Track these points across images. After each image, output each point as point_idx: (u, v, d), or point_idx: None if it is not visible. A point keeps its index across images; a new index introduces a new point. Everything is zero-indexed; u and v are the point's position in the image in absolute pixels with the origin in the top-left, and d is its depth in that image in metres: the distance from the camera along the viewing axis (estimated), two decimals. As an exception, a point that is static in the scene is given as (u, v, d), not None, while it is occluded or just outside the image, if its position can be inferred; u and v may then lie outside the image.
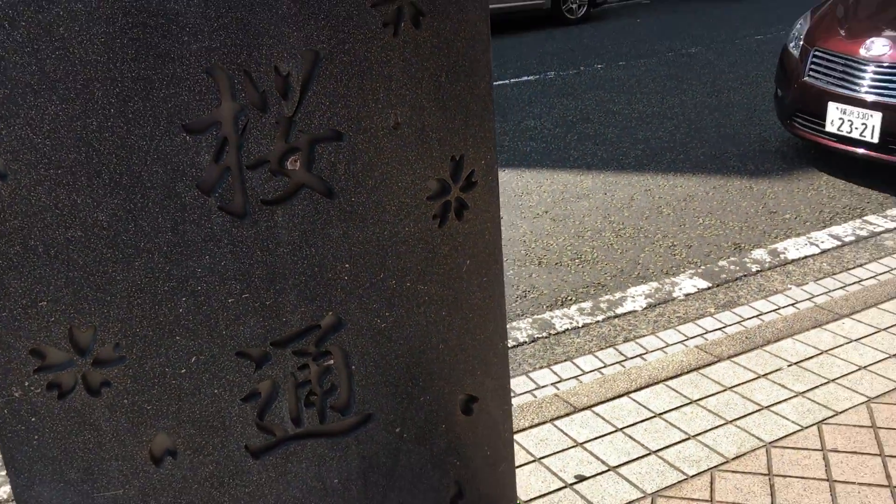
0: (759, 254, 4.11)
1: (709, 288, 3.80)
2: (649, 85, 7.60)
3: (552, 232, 4.52)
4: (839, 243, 4.17)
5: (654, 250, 4.23)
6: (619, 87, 7.61)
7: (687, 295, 3.75)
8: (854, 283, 3.74)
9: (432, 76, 1.42)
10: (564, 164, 5.62)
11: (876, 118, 4.60)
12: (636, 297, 3.76)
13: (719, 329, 3.43)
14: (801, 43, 5.22)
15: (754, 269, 3.95)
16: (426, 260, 1.51)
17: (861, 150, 4.75)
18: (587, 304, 3.73)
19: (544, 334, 3.50)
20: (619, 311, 3.66)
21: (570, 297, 3.80)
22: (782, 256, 4.06)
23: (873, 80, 4.65)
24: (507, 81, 8.14)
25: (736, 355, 3.02)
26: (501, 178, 5.41)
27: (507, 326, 3.58)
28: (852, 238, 4.21)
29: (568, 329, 3.54)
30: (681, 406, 2.74)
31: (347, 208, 1.39)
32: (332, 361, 1.45)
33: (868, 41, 4.75)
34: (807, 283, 3.77)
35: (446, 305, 1.57)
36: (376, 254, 1.44)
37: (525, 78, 8.25)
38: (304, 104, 1.30)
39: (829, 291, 3.67)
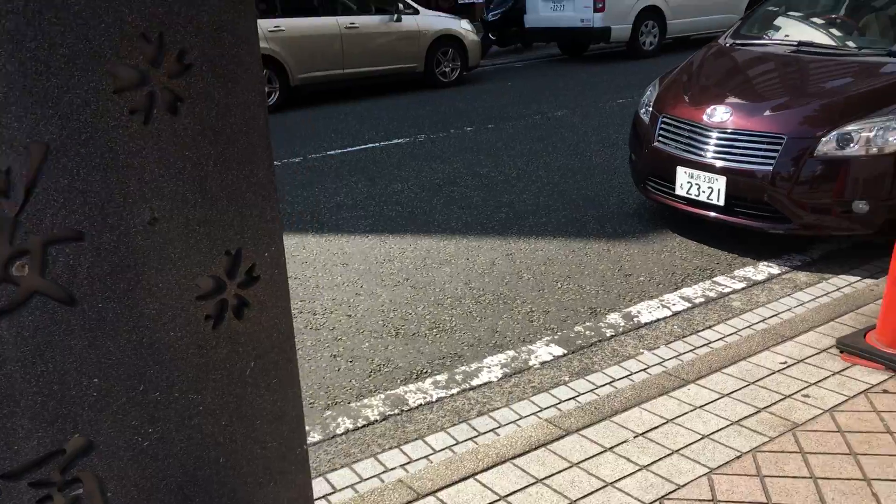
0: (614, 318, 4.13)
1: (564, 355, 3.78)
2: (517, 148, 7.73)
3: (412, 300, 4.43)
4: (690, 305, 4.25)
5: (513, 317, 4.19)
6: (487, 150, 7.71)
7: (542, 363, 3.71)
8: (703, 345, 3.79)
9: (196, 166, 1.30)
10: (429, 228, 5.57)
11: (721, 182, 4.77)
12: (492, 368, 3.69)
13: (573, 398, 3.39)
14: (651, 109, 5.40)
15: (608, 334, 3.95)
16: (199, 367, 1.37)
17: (709, 213, 4.91)
18: (442, 377, 3.62)
19: (396, 411, 3.36)
20: (475, 382, 3.57)
21: (425, 370, 3.69)
22: (636, 320, 4.09)
23: (717, 145, 4.83)
24: (377, 144, 8.11)
25: (584, 427, 2.97)
26: (364, 245, 5.31)
27: (359, 404, 3.43)
28: (702, 299, 4.30)
29: (421, 404, 3.42)
30: (526, 486, 2.65)
31: (93, 316, 1.23)
32: (81, 490, 1.27)
33: (710, 108, 4.94)
34: (658, 347, 3.80)
35: (226, 414, 1.42)
36: (133, 364, 1.29)
37: (395, 141, 8.25)
38: (31, 202, 1.15)
39: (679, 355, 3.70)
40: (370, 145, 8.01)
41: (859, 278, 4.44)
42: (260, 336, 1.44)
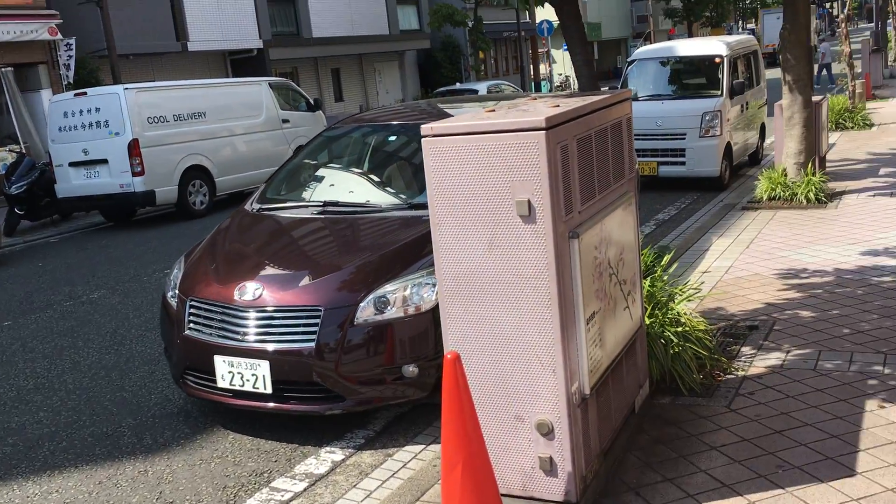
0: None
1: None
2: (38, 348, 6.43)
3: None
4: (245, 530, 3.49)
5: None
6: (-1, 356, 6.28)
7: None
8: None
9: None
10: None
11: (265, 367, 4.19)
12: None
13: None
14: (177, 292, 4.70)
15: None
16: None
17: (258, 403, 4.28)
18: None
19: None
20: None
21: None
22: (177, 573, 3.21)
23: (253, 326, 4.27)
24: None
25: None
26: None
27: None
28: (259, 518, 3.58)
29: None
30: None
31: None
32: None
33: (240, 286, 4.40)
34: None
35: None
36: None
37: None
38: None
39: None
40: None
41: (423, 446, 4.11)
42: None
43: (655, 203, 10.29)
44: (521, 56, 38.51)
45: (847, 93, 16.20)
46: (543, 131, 2.87)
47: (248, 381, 4.24)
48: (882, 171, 10.25)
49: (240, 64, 25.01)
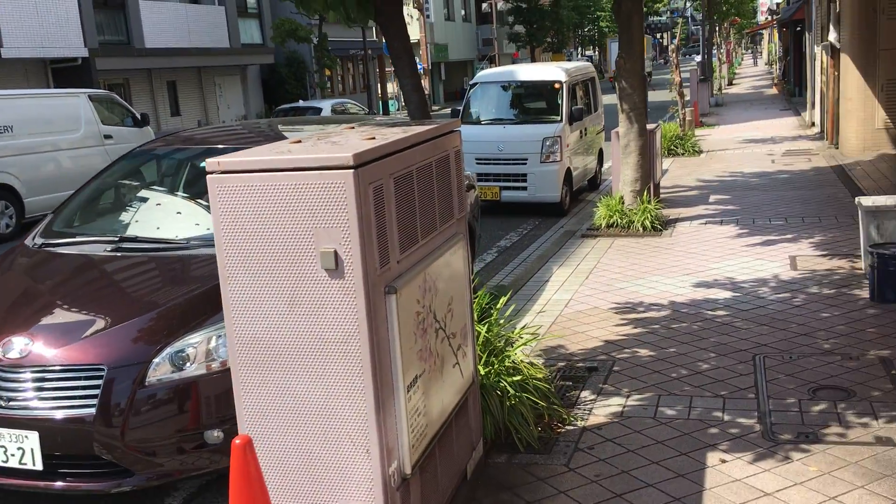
0: None
1: None
2: None
3: None
4: None
5: None
6: None
7: None
8: None
9: None
10: None
11: (33, 438, 3.49)
12: None
13: None
14: (-72, 348, 3.88)
15: None
16: None
17: (26, 482, 3.57)
18: None
19: None
20: None
21: None
22: None
23: (20, 389, 3.56)
24: None
25: None
26: None
27: None
28: None
29: None
30: None
31: None
32: None
33: (5, 341, 3.67)
34: None
35: None
36: None
37: None
38: None
39: None
40: None
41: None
42: None
43: (498, 229, 10.12)
44: (368, 74, 38.18)
45: (678, 120, 16.87)
46: (351, 170, 2.42)
47: (12, 455, 3.53)
48: (711, 198, 10.56)
49: (63, 74, 23.13)
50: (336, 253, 2.46)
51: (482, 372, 3.90)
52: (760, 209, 9.50)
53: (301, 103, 20.78)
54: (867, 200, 6.30)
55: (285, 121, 8.32)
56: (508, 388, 3.93)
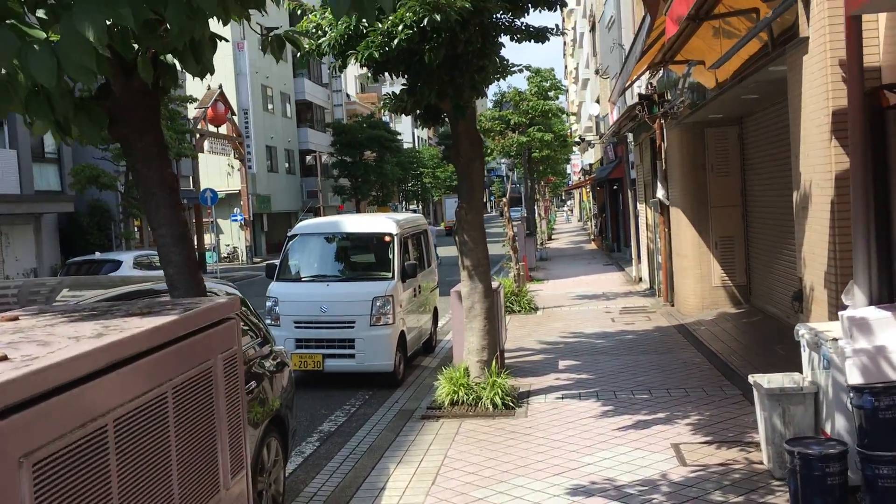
0: None
1: None
2: None
3: None
4: None
5: None
6: None
7: None
8: None
9: None
10: None
11: None
12: None
13: None
14: None
15: None
16: None
17: None
18: None
19: None
20: None
21: None
22: None
23: None
24: None
25: None
26: None
27: None
28: None
29: None
30: None
31: None
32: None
33: None
34: None
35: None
36: None
37: None
38: None
39: None
40: None
41: None
42: None
43: (321, 407, 8.41)
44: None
45: (512, 275, 16.15)
46: None
47: None
48: (561, 364, 9.44)
49: None
50: None
51: None
52: (618, 379, 8.42)
53: (98, 255, 18.30)
54: (763, 380, 5.26)
55: (76, 281, 6.91)
56: None
